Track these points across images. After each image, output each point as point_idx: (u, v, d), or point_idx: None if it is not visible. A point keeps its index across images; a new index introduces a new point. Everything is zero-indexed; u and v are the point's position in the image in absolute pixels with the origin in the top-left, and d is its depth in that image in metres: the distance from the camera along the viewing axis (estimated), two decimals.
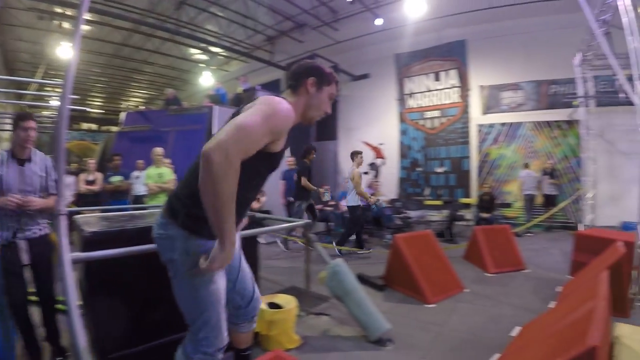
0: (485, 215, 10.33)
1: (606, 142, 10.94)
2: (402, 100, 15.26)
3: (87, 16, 13.16)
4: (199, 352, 2.11)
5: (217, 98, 12.59)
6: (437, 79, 14.41)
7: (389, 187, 13.96)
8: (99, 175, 8.65)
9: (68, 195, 8.52)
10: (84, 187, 8.40)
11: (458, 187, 13.80)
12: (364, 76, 15.87)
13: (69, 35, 13.25)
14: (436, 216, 10.97)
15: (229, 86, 16.08)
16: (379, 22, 13.70)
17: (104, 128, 29.08)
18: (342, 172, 15.91)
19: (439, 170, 14.21)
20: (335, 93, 2.37)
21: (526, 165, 11.63)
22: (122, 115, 13.20)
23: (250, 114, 1.85)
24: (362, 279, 5.74)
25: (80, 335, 2.47)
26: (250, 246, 3.71)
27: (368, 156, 13.38)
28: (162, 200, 7.37)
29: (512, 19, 12.32)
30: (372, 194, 10.49)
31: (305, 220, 8.27)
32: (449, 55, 14.01)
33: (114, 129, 16.23)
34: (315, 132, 15.59)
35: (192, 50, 19.19)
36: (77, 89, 22.55)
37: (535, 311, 4.59)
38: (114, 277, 2.93)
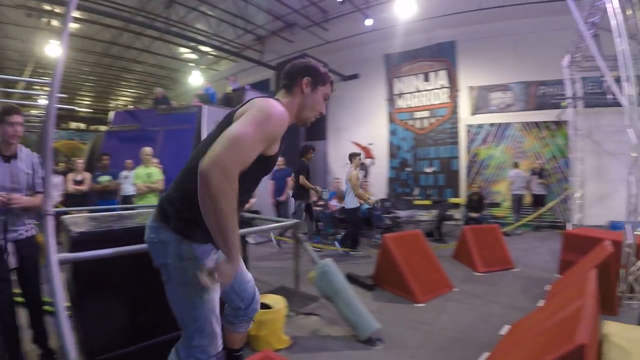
0: (474, 214, 10.37)
1: (594, 143, 11.03)
2: (391, 100, 15.28)
3: (76, 14, 13.12)
4: (193, 357, 2.08)
5: (206, 97, 12.54)
6: (426, 79, 14.44)
7: (378, 187, 13.99)
8: (87, 175, 8.59)
9: (56, 195, 8.45)
10: (71, 187, 8.33)
11: (447, 187, 13.85)
12: (354, 76, 15.88)
13: (58, 33, 13.11)
14: (425, 216, 11.00)
15: (219, 86, 16.04)
16: (369, 22, 13.69)
17: (93, 127, 28.84)
18: (332, 172, 15.92)
19: (428, 170, 14.25)
20: (330, 93, 2.34)
21: (516, 165, 11.70)
22: (111, 115, 13.12)
23: (244, 123, 1.79)
24: (352, 279, 5.73)
25: (68, 337, 2.44)
26: None
27: None
28: (151, 200, 7.32)
29: (501, 20, 12.38)
30: None
31: (296, 220, 8.30)
32: (439, 56, 14.05)
33: (103, 128, 16.17)
34: (305, 132, 15.54)
35: (182, 49, 19.08)
36: (66, 87, 22.38)
37: (524, 310, 4.61)
38: (102, 277, 2.90)
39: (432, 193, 13.68)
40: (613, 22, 5.50)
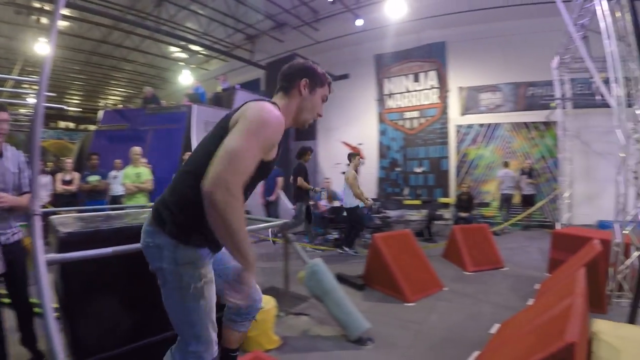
0: (463, 214, 10.42)
1: (582, 143, 11.12)
2: (381, 100, 15.34)
3: (65, 12, 13.03)
4: None
5: (196, 97, 12.48)
6: (416, 80, 14.51)
7: (368, 187, 13.95)
8: (76, 175, 8.50)
9: (44, 195, 8.37)
10: (60, 187, 8.25)
11: (437, 187, 13.92)
12: (344, 76, 15.88)
13: (47, 30, 13.01)
14: (415, 216, 11.02)
15: (208, 85, 15.98)
16: (359, 22, 13.72)
17: (82, 127, 28.61)
18: (322, 171, 15.92)
19: (418, 170, 14.30)
20: (328, 94, 2.30)
21: (506, 164, 11.78)
22: (100, 114, 13.01)
23: (239, 135, 1.75)
24: (342, 279, 5.73)
25: (55, 338, 2.41)
26: None
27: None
28: (140, 200, 7.27)
29: (491, 21, 12.46)
30: None
31: (294, 222, 8.32)
32: (429, 56, 14.12)
33: (92, 127, 16.03)
34: (294, 132, 15.53)
35: (172, 48, 19.01)
36: (55, 86, 22.25)
37: (514, 308, 4.62)
38: (91, 278, 2.86)
39: (421, 193, 13.77)
40: (602, 25, 5.54)
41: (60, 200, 8.22)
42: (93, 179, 8.35)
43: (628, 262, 5.03)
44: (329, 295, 4.07)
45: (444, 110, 13.87)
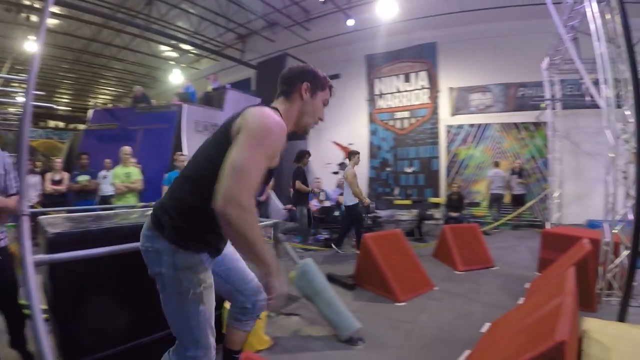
0: (454, 214, 10.46)
1: (572, 144, 11.21)
2: (372, 100, 15.33)
3: (55, 9, 12.91)
4: None
5: (187, 96, 12.39)
6: (407, 80, 14.51)
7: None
8: (65, 175, 8.43)
9: (33, 195, 8.31)
10: (49, 187, 8.18)
11: (427, 187, 13.93)
12: (335, 76, 15.82)
13: (37, 28, 12.88)
14: (406, 215, 11.02)
15: (199, 84, 15.89)
16: (350, 22, 13.69)
17: (72, 126, 28.32)
18: (312, 171, 15.90)
19: (409, 170, 14.31)
20: (329, 98, 2.28)
21: (496, 164, 11.82)
22: (89, 113, 12.90)
23: (244, 148, 1.72)
24: (332, 279, 5.73)
25: (44, 340, 2.38)
26: None
27: (337, 156, 13.42)
28: (129, 200, 7.23)
29: (482, 22, 12.49)
30: (341, 194, 10.52)
31: (297, 224, 8.32)
32: (420, 57, 14.14)
33: (82, 127, 15.91)
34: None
35: (162, 47, 18.87)
36: (44, 85, 22.04)
37: (505, 307, 4.64)
38: (80, 279, 2.83)
39: (412, 193, 13.81)
40: (592, 26, 5.57)
41: (49, 200, 8.15)
42: (83, 178, 8.28)
43: (617, 261, 5.07)
44: (320, 295, 4.06)
45: (434, 111, 13.89)
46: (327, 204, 10.95)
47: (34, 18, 13.58)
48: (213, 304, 2.09)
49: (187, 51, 19.12)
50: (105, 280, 2.94)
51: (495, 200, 11.52)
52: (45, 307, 2.89)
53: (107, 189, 8.30)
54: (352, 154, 8.16)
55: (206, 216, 1.85)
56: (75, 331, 2.80)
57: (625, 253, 4.94)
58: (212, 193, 1.73)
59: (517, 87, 12.53)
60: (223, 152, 1.76)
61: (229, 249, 2.37)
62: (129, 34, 16.25)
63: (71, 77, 23.50)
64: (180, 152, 8.00)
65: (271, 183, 9.18)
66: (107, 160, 8.75)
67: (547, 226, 10.28)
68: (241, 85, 16.57)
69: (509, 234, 10.75)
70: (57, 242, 2.78)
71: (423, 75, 14.13)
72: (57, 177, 8.32)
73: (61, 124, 29.13)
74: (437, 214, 12.46)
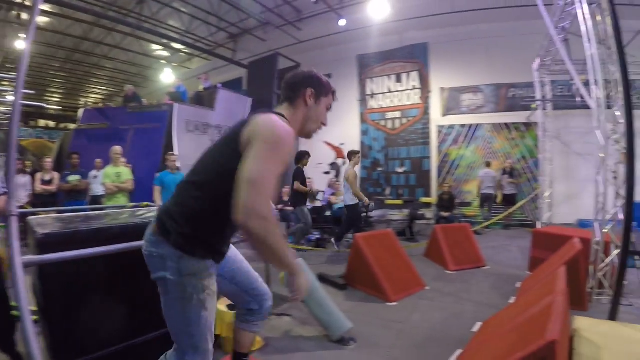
0: (445, 214, 10.50)
1: (562, 144, 11.28)
2: (363, 100, 15.35)
3: (45, 7, 12.81)
4: None
5: (178, 96, 12.33)
6: (398, 80, 14.55)
7: None
8: (55, 175, 8.36)
9: (23, 195, 8.23)
10: (39, 187, 8.11)
11: (418, 187, 13.96)
12: (326, 76, 15.76)
13: (27, 26, 12.78)
14: (397, 215, 11.04)
15: (190, 84, 15.83)
16: (342, 22, 13.72)
17: (62, 125, 28.11)
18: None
19: (400, 170, 14.34)
20: (332, 103, 2.29)
21: (488, 164, 11.88)
22: (80, 112, 12.81)
23: (259, 159, 1.71)
24: (323, 279, 5.73)
25: (33, 342, 2.35)
26: None
27: (329, 156, 13.41)
28: (120, 200, 7.18)
29: (473, 23, 12.56)
30: (333, 194, 10.52)
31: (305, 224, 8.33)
32: (411, 57, 14.17)
33: (72, 126, 15.81)
34: None
35: (154, 47, 18.79)
36: (35, 84, 21.86)
37: (496, 307, 4.65)
38: (70, 280, 2.80)
39: (403, 193, 13.86)
40: (583, 28, 5.60)
41: (39, 200, 8.08)
42: (73, 178, 8.21)
43: (608, 260, 5.11)
44: (311, 296, 4.05)
45: (425, 111, 13.93)
46: (319, 204, 10.94)
47: (24, 16, 13.47)
48: (215, 310, 2.08)
49: (179, 50, 19.07)
50: (96, 280, 2.92)
51: (486, 200, 11.59)
52: (35, 308, 2.86)
53: (97, 189, 8.23)
54: (352, 154, 8.14)
55: (212, 222, 1.92)
56: (66, 332, 2.77)
57: (615, 252, 4.97)
58: (218, 199, 1.81)
59: (508, 88, 12.61)
60: (231, 159, 1.79)
61: (233, 250, 2.38)
62: (121, 32, 16.18)
63: (62, 75, 23.33)
64: (171, 152, 7.97)
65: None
66: (98, 160, 8.67)
67: (538, 226, 10.33)
68: (232, 85, 16.55)
69: (500, 234, 10.80)
70: (46, 243, 2.75)
71: (414, 75, 14.16)
72: (47, 177, 8.25)
73: (52, 123, 28.91)
74: (429, 213, 12.49)
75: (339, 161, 13.31)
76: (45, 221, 3.56)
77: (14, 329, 3.13)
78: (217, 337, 3.23)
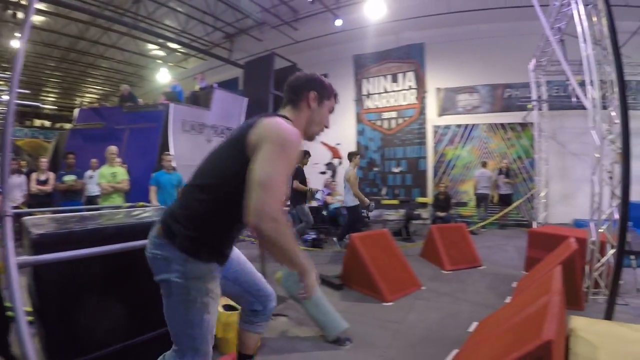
0: (441, 214, 10.49)
1: (558, 144, 11.32)
2: (359, 100, 15.35)
3: (41, 6, 12.74)
4: None
5: (174, 95, 12.29)
6: (394, 80, 14.56)
7: None
8: (51, 175, 8.34)
9: (19, 195, 8.20)
10: (35, 187, 8.08)
11: (414, 187, 13.98)
12: (320, 75, 15.79)
13: (23, 25, 12.72)
14: (393, 215, 11.06)
15: (186, 84, 15.79)
16: (338, 22, 13.69)
17: (58, 125, 27.99)
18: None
19: (396, 170, 14.36)
20: (334, 106, 2.30)
21: (484, 164, 11.91)
22: (75, 112, 12.76)
23: (268, 163, 1.73)
24: (319, 279, 5.71)
25: (28, 343, 2.33)
26: None
27: (325, 156, 13.40)
28: (115, 200, 7.15)
29: (469, 24, 12.58)
30: (329, 194, 10.51)
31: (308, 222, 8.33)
32: (407, 57, 14.18)
33: (68, 126, 15.74)
34: None
35: (150, 46, 18.75)
36: (30, 83, 21.78)
37: (492, 307, 4.66)
38: (65, 280, 2.78)
39: (399, 193, 13.85)
40: (579, 29, 5.62)
41: (35, 200, 8.05)
42: (69, 178, 8.18)
43: (604, 259, 5.13)
44: None
45: (421, 111, 13.95)
46: (315, 203, 10.93)
47: (20, 15, 13.41)
48: (217, 313, 2.09)
49: (175, 50, 19.04)
50: (91, 281, 2.90)
51: (482, 200, 11.61)
52: (30, 309, 2.84)
53: (93, 189, 8.22)
54: (352, 155, 8.15)
55: (216, 224, 1.95)
56: (61, 333, 2.76)
57: (611, 252, 4.99)
58: (222, 201, 1.86)
59: (504, 88, 12.64)
60: (236, 162, 1.82)
61: (235, 252, 2.38)
62: (116, 32, 16.15)
63: (58, 75, 23.23)
64: (167, 152, 7.94)
65: None
66: (94, 160, 8.65)
67: (534, 225, 10.37)
68: (229, 85, 16.50)
69: (496, 234, 10.81)
70: (41, 243, 2.74)
71: (410, 75, 14.18)
72: (42, 177, 8.22)
73: (47, 123, 28.79)
74: (425, 213, 12.51)
75: (335, 161, 13.28)
76: (40, 221, 3.54)
77: (8, 330, 3.11)
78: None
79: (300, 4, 14.00)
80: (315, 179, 12.47)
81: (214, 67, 18.20)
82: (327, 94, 2.20)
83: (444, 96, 13.59)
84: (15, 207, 7.47)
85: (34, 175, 8.29)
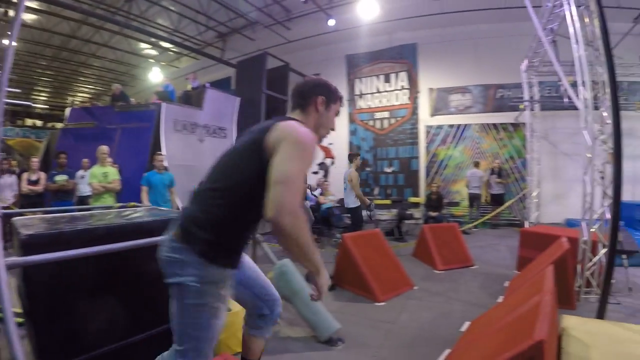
0: (433, 213, 10.51)
1: (550, 144, 11.37)
2: (352, 100, 15.32)
3: (33, 4, 12.61)
4: None
5: (166, 95, 12.22)
6: (387, 80, 14.57)
7: (338, 187, 13.91)
8: (42, 175, 8.25)
9: (10, 196, 8.13)
10: (26, 187, 7.99)
11: (407, 187, 14.00)
12: (315, 76, 15.76)
13: (12, 23, 12.58)
14: (385, 215, 11.06)
15: (179, 83, 15.71)
16: (331, 22, 13.68)
17: (50, 124, 27.81)
18: None
19: (388, 170, 14.37)
20: (340, 109, 2.35)
21: (476, 164, 11.96)
22: (67, 112, 12.67)
23: (287, 159, 1.81)
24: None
25: (16, 344, 2.31)
26: None
27: (317, 156, 13.38)
28: (107, 201, 7.07)
29: (462, 24, 12.62)
30: (321, 194, 10.49)
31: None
32: (400, 57, 14.19)
33: (60, 125, 15.65)
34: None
35: (142, 45, 18.64)
36: (22, 82, 21.62)
37: (484, 306, 4.66)
38: (55, 281, 2.75)
39: (392, 192, 13.88)
40: (571, 30, 5.65)
41: (26, 201, 7.97)
42: (60, 178, 8.10)
43: (595, 259, 5.16)
44: (298, 296, 4.03)
45: (414, 111, 13.96)
46: (307, 204, 10.91)
47: (12, 13, 13.30)
48: (224, 318, 2.11)
49: (167, 49, 18.95)
50: (81, 282, 2.87)
51: (474, 199, 11.65)
52: (20, 310, 2.81)
53: (84, 189, 8.16)
54: (353, 156, 8.15)
55: (234, 227, 1.99)
56: (51, 335, 2.73)
57: (603, 251, 5.02)
58: (239, 204, 1.91)
59: (496, 89, 12.68)
60: (255, 163, 1.88)
61: (245, 257, 2.39)
62: (109, 30, 16.07)
63: (49, 74, 23.06)
64: (159, 152, 7.89)
65: None
66: (85, 160, 8.59)
67: (526, 225, 10.41)
68: (221, 84, 16.45)
69: (488, 233, 10.84)
70: (30, 244, 2.70)
71: (403, 75, 14.19)
72: (33, 177, 8.14)
73: (39, 123, 28.62)
74: (417, 213, 12.52)
75: (328, 161, 13.27)
76: (30, 222, 3.51)
77: None
78: None
79: (293, 4, 13.98)
80: (307, 179, 12.46)
81: (207, 66, 18.14)
82: (333, 98, 2.26)
83: (437, 96, 13.62)
84: (6, 208, 7.41)
85: (25, 175, 8.20)
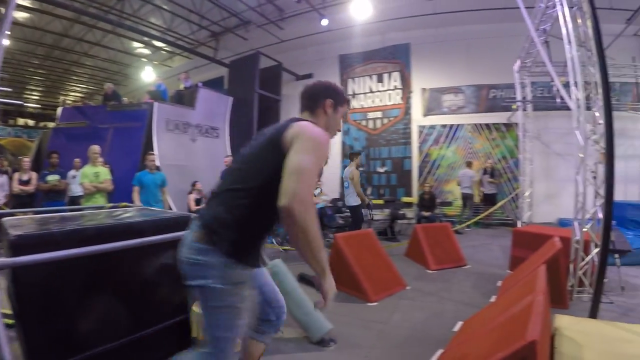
0: (426, 213, 10.52)
1: (542, 144, 11.44)
2: None
3: (25, 2, 12.50)
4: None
5: (158, 94, 12.17)
6: (380, 80, 14.59)
7: (331, 187, 13.91)
8: (33, 175, 8.19)
9: (0, 196, 8.08)
10: (17, 187, 7.93)
11: (399, 187, 14.02)
12: (308, 76, 15.74)
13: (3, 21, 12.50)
14: (378, 215, 11.07)
15: (171, 82, 15.67)
16: (324, 22, 13.70)
17: (42, 124, 27.66)
18: None
19: (381, 170, 14.39)
20: (346, 111, 2.41)
21: (468, 164, 11.99)
22: (59, 111, 12.59)
23: (303, 152, 1.86)
24: (303, 279, 5.67)
25: (4, 346, 2.28)
26: None
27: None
28: (98, 200, 7.01)
29: (455, 25, 12.67)
30: (320, 193, 10.48)
31: None
32: (393, 57, 14.22)
33: (52, 125, 15.57)
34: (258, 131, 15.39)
35: (135, 44, 18.60)
36: (13, 81, 21.48)
37: (477, 306, 4.66)
38: (45, 282, 2.71)
39: (384, 192, 13.90)
40: (564, 30, 5.67)
41: (17, 201, 7.92)
42: (52, 178, 8.04)
43: (588, 258, 5.18)
44: (290, 296, 4.00)
45: (406, 111, 13.98)
46: None
47: (3, 10, 13.20)
48: (247, 319, 2.16)
49: (160, 48, 18.90)
50: (72, 283, 2.84)
51: (467, 199, 11.67)
52: (9, 312, 2.78)
53: (76, 189, 8.10)
54: (354, 156, 8.22)
55: (258, 226, 2.05)
56: (41, 337, 2.70)
57: (595, 250, 5.03)
58: (262, 203, 1.92)
59: (489, 89, 12.72)
60: (272, 162, 1.91)
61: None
62: (101, 29, 16.02)
63: (41, 73, 22.94)
64: (151, 152, 7.85)
65: None
66: (77, 160, 8.53)
67: (519, 225, 10.46)
68: (213, 84, 16.40)
69: (481, 233, 10.86)
70: (19, 245, 2.67)
71: (396, 75, 14.22)
72: (24, 177, 8.07)
73: (31, 122, 28.45)
74: (410, 213, 12.51)
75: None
76: (20, 222, 3.47)
77: None
78: (193, 339, 3.18)
79: (286, 3, 14.01)
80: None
81: (199, 65, 18.11)
82: (341, 101, 2.32)
83: (429, 96, 13.64)
84: None
85: (16, 175, 8.14)
